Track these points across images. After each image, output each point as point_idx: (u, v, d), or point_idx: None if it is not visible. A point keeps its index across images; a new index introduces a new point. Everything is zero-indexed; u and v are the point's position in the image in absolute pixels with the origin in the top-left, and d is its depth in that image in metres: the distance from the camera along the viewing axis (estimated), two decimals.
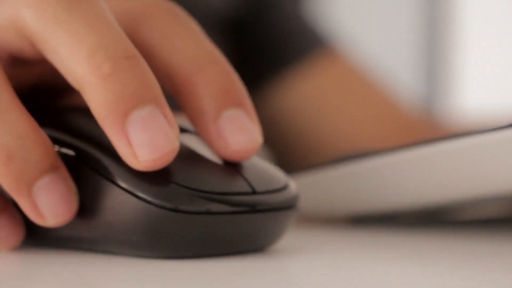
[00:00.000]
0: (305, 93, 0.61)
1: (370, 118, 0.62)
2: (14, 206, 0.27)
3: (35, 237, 0.28)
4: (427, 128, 0.64)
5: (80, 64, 0.25)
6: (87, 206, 0.26)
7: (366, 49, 0.83)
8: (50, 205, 0.26)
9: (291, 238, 0.28)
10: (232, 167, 0.27)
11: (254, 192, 0.26)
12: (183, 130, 0.27)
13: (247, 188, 0.26)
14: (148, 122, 0.24)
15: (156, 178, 0.25)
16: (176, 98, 0.27)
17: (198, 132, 0.27)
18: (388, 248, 0.31)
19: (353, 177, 0.34)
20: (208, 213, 0.25)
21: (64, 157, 0.27)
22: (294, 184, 0.28)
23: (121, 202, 0.25)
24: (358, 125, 0.61)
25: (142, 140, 0.24)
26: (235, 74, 0.27)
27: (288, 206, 0.27)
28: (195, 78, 0.27)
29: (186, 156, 0.26)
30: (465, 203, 0.33)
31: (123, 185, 0.25)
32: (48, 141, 0.26)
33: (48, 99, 0.30)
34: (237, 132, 0.27)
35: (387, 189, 0.33)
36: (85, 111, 0.26)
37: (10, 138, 0.25)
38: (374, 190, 0.33)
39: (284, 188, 0.27)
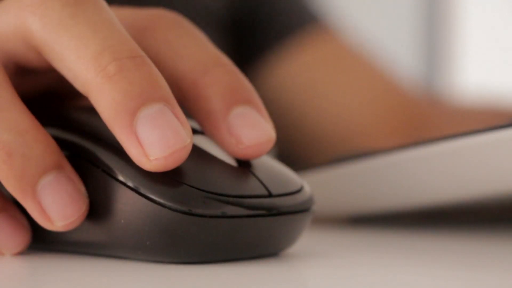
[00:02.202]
0: (295, 71, 0.60)
1: (364, 96, 0.61)
2: (19, 209, 0.27)
3: (43, 241, 0.27)
4: (425, 106, 0.63)
5: (86, 67, 0.24)
6: (97, 209, 0.25)
7: (362, 26, 0.82)
8: (57, 206, 0.25)
9: (300, 240, 0.28)
10: (246, 169, 0.26)
11: (270, 195, 0.25)
12: (195, 131, 0.26)
13: (263, 191, 0.25)
14: (158, 119, 0.24)
15: (168, 180, 0.24)
16: (185, 105, 0.27)
17: (209, 133, 0.27)
18: (396, 251, 0.31)
19: (353, 177, 0.34)
20: (224, 216, 0.24)
21: (72, 158, 0.26)
22: (308, 186, 0.27)
23: (132, 205, 0.24)
24: (350, 105, 0.60)
25: (152, 137, 0.24)
26: (241, 73, 0.27)
27: (305, 209, 0.26)
28: (201, 81, 0.26)
29: (199, 157, 0.25)
30: (465, 203, 0.33)
31: (134, 186, 0.24)
32: (50, 139, 0.25)
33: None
34: (248, 127, 0.26)
35: (387, 189, 0.33)
36: (93, 111, 0.25)
37: (10, 136, 0.25)
38: (374, 190, 0.33)
39: (300, 190, 0.26)
